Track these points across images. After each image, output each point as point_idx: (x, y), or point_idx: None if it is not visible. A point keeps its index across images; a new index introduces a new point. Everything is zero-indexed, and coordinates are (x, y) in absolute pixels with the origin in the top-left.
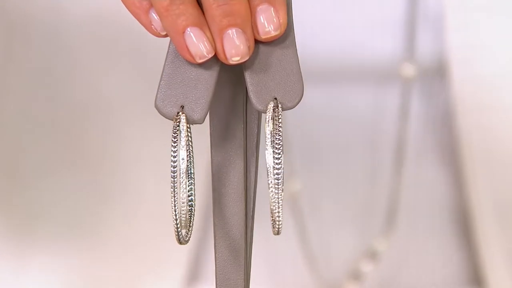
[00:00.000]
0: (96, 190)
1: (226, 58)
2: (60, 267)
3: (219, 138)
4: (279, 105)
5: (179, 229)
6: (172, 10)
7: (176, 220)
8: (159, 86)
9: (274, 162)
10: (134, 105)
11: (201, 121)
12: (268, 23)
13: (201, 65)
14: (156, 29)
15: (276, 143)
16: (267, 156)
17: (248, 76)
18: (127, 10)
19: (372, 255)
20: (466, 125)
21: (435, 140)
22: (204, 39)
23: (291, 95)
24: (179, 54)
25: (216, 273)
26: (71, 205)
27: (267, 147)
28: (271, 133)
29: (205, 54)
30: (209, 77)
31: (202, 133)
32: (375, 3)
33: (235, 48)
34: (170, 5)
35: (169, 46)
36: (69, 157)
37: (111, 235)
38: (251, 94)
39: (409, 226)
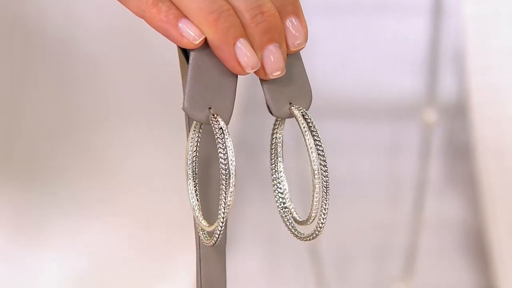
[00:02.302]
0: (108, 196)
1: (266, 73)
2: (70, 269)
3: (206, 132)
4: (302, 108)
5: (221, 232)
6: (222, 23)
7: (222, 223)
8: (185, 89)
9: (321, 165)
10: (148, 110)
11: (227, 122)
12: (298, 35)
13: (223, 65)
14: (188, 39)
15: (320, 152)
16: (314, 162)
17: (265, 85)
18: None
19: None
20: (486, 167)
21: (455, 180)
22: (252, 49)
23: (303, 99)
24: (227, 65)
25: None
26: (82, 210)
27: (311, 154)
28: (314, 142)
29: (256, 64)
30: (232, 78)
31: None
32: (397, 42)
33: (276, 63)
34: (219, 19)
35: (191, 50)
36: (82, 162)
37: (122, 239)
38: (270, 102)
39: (429, 268)
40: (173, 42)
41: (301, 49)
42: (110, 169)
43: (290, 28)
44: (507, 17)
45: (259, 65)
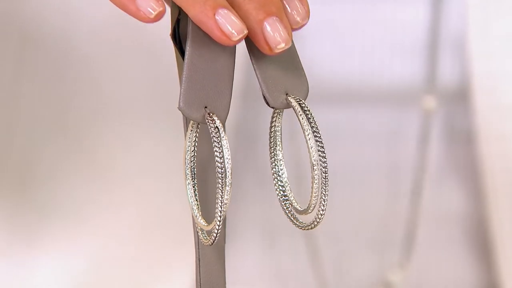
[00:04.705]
0: (106, 194)
1: (270, 48)
2: (68, 269)
3: (204, 131)
4: (299, 98)
5: (218, 232)
6: None
7: (220, 222)
8: (181, 88)
9: (320, 156)
10: (145, 109)
11: (224, 120)
12: (297, 14)
13: (218, 64)
14: (145, 13)
15: (318, 140)
16: (312, 152)
17: (260, 77)
18: (132, 19)
19: (387, 286)
20: (488, 153)
21: (456, 167)
22: (235, 16)
23: (300, 90)
24: (213, 37)
25: (199, 267)
26: (80, 208)
27: (309, 142)
28: (311, 130)
29: (241, 29)
30: (227, 76)
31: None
32: (397, 28)
33: (278, 36)
34: None
35: (186, 49)
36: (79, 161)
37: (120, 239)
38: (266, 93)
39: (427, 255)
40: (133, 16)
41: (304, 25)
42: (108, 169)
43: (290, 5)
44: (508, 2)
45: (246, 31)
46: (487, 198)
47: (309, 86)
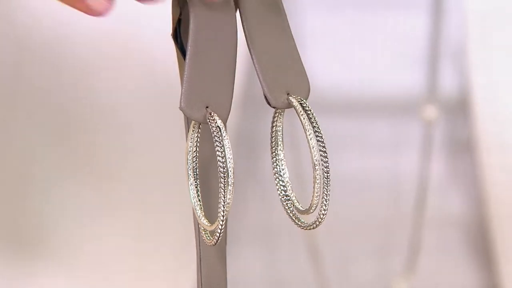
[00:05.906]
0: (107, 194)
1: None
2: (68, 270)
3: (206, 131)
4: (300, 98)
5: (222, 231)
6: None
7: (223, 221)
8: (182, 88)
9: (321, 156)
10: (146, 110)
11: (225, 120)
12: None
13: (219, 63)
14: (96, 9)
15: (319, 140)
16: (313, 150)
17: (262, 77)
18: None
19: None
20: (489, 162)
21: (457, 176)
22: None
23: (301, 89)
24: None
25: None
26: (79, 213)
27: (310, 142)
28: (312, 130)
29: None
30: (228, 76)
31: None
32: (397, 38)
33: None
34: None
35: (187, 48)
36: (78, 166)
37: (121, 239)
38: (267, 93)
39: (431, 266)
40: (82, 11)
41: None
42: (109, 170)
43: None
44: (509, 13)
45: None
46: (488, 206)
47: (310, 86)
